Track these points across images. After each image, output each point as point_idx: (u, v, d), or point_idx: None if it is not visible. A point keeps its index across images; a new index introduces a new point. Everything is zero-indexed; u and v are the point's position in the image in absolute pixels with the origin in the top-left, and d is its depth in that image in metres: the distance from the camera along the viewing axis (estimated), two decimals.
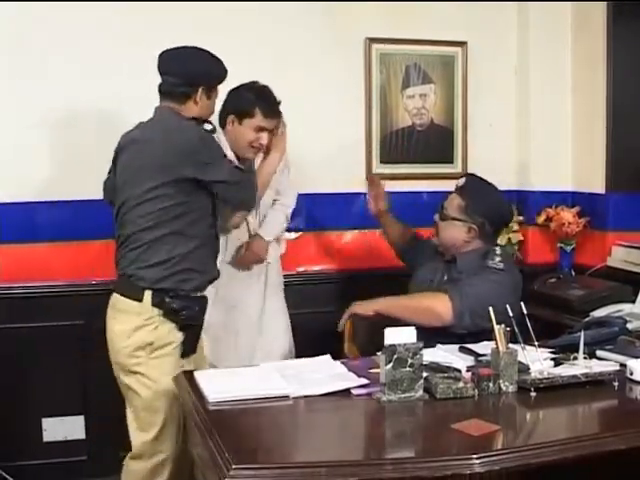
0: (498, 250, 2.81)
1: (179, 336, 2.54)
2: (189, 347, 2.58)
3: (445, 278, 2.84)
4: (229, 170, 2.58)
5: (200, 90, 2.57)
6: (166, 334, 2.52)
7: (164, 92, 2.59)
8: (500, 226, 2.96)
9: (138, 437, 2.56)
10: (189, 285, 2.54)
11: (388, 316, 2.70)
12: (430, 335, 2.60)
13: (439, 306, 2.65)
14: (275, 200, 3.17)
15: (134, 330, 2.50)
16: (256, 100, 2.89)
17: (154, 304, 2.50)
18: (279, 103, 2.92)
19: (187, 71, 2.56)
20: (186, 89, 2.56)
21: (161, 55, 2.59)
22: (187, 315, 2.53)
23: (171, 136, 2.51)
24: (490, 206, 2.82)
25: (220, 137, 2.91)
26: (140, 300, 2.49)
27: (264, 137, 2.91)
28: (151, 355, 2.50)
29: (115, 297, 2.57)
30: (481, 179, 2.90)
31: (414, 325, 2.62)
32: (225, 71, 2.63)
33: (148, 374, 2.50)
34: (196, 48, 2.61)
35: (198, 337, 2.64)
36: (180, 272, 2.52)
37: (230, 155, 2.91)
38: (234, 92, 2.95)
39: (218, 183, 2.54)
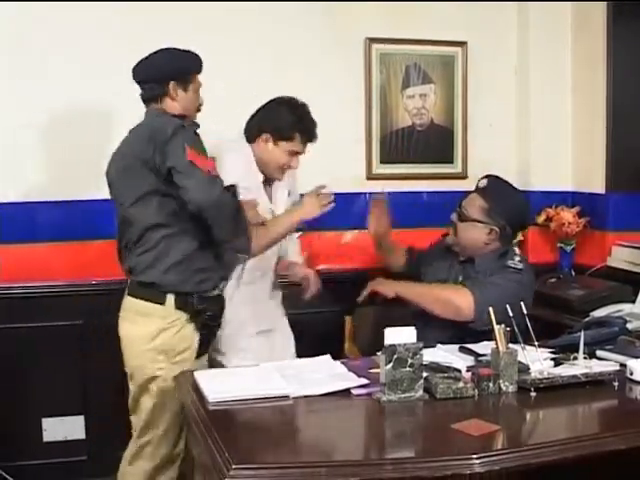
0: (517, 250, 2.82)
1: (197, 339, 2.55)
2: (204, 348, 2.60)
3: (461, 278, 2.83)
4: (192, 166, 2.34)
5: (172, 85, 2.54)
6: (188, 337, 2.53)
7: (145, 99, 2.59)
8: (520, 228, 2.95)
9: (140, 438, 2.55)
10: (207, 285, 2.55)
11: (404, 299, 2.73)
12: (455, 329, 2.63)
13: (459, 300, 2.65)
14: None
15: (157, 333, 2.49)
16: (297, 124, 2.79)
17: (178, 307, 2.50)
18: (316, 126, 2.84)
19: (154, 71, 2.56)
20: (158, 87, 2.55)
21: (134, 68, 2.60)
22: (210, 315, 2.56)
23: (149, 127, 2.49)
24: (512, 209, 2.81)
25: (245, 149, 2.84)
26: (162, 303, 2.49)
27: (296, 161, 2.85)
28: (172, 360, 2.49)
29: (131, 301, 2.55)
30: (503, 180, 2.88)
31: (433, 314, 2.64)
32: (195, 61, 2.60)
33: (168, 378, 2.46)
34: (164, 49, 2.59)
35: (214, 337, 2.66)
36: (195, 273, 2.50)
37: (254, 170, 2.85)
38: (272, 108, 2.84)
39: (175, 172, 2.37)
